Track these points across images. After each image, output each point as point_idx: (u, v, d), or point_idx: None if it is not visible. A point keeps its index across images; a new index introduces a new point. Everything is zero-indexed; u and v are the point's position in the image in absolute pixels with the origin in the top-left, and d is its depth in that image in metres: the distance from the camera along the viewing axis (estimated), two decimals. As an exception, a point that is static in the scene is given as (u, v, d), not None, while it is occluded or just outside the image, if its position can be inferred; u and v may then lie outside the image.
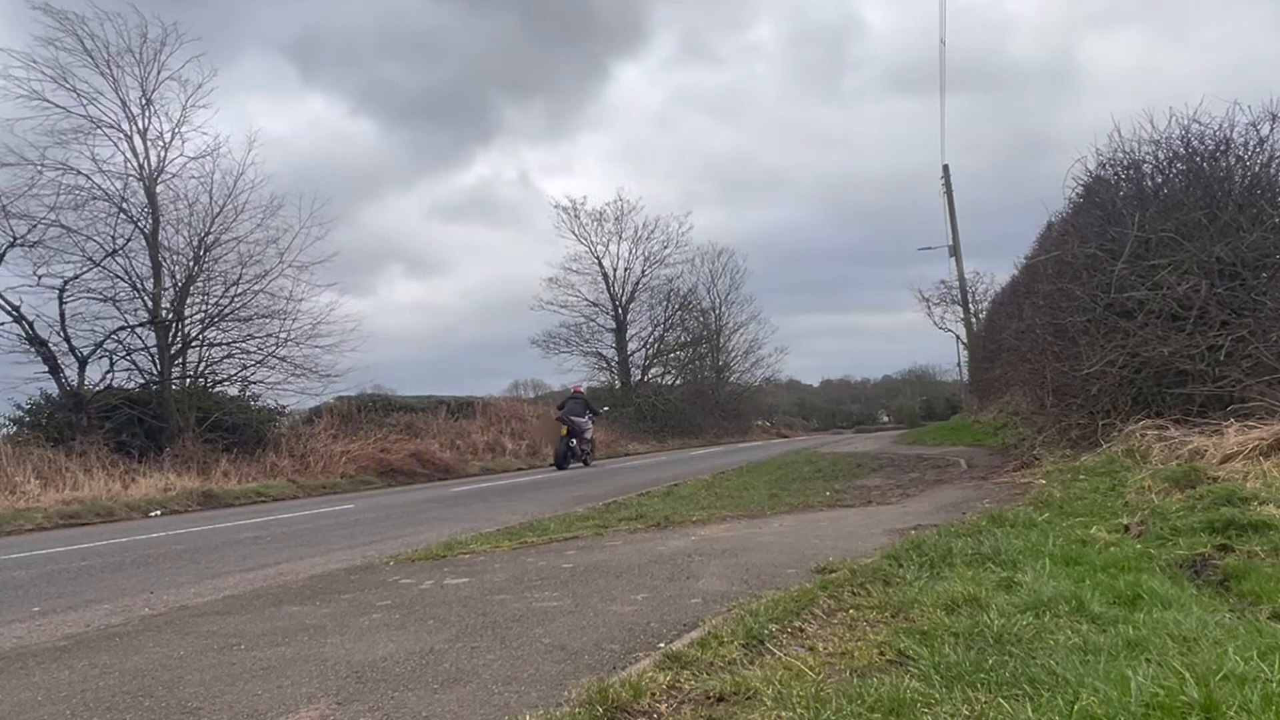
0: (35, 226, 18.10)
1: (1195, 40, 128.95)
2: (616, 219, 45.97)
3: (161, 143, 20.53)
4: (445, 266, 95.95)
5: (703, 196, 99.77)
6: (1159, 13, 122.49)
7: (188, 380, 20.76)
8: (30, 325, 18.47)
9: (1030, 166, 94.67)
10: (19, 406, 18.48)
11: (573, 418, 22.19)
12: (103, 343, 19.26)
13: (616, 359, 47.13)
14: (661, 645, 3.65)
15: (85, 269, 19.04)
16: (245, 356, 21.63)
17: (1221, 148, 9.91)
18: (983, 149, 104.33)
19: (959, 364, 48.28)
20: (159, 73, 20.32)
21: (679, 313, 49.18)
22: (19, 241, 18.07)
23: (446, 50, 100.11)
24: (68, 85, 19.03)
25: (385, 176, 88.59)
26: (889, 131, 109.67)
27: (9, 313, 18.22)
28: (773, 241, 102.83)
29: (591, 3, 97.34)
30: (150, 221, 20.11)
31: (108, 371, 19.53)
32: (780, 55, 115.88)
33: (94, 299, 19.34)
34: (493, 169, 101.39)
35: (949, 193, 31.14)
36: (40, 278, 18.44)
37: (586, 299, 46.31)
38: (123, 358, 19.79)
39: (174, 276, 20.77)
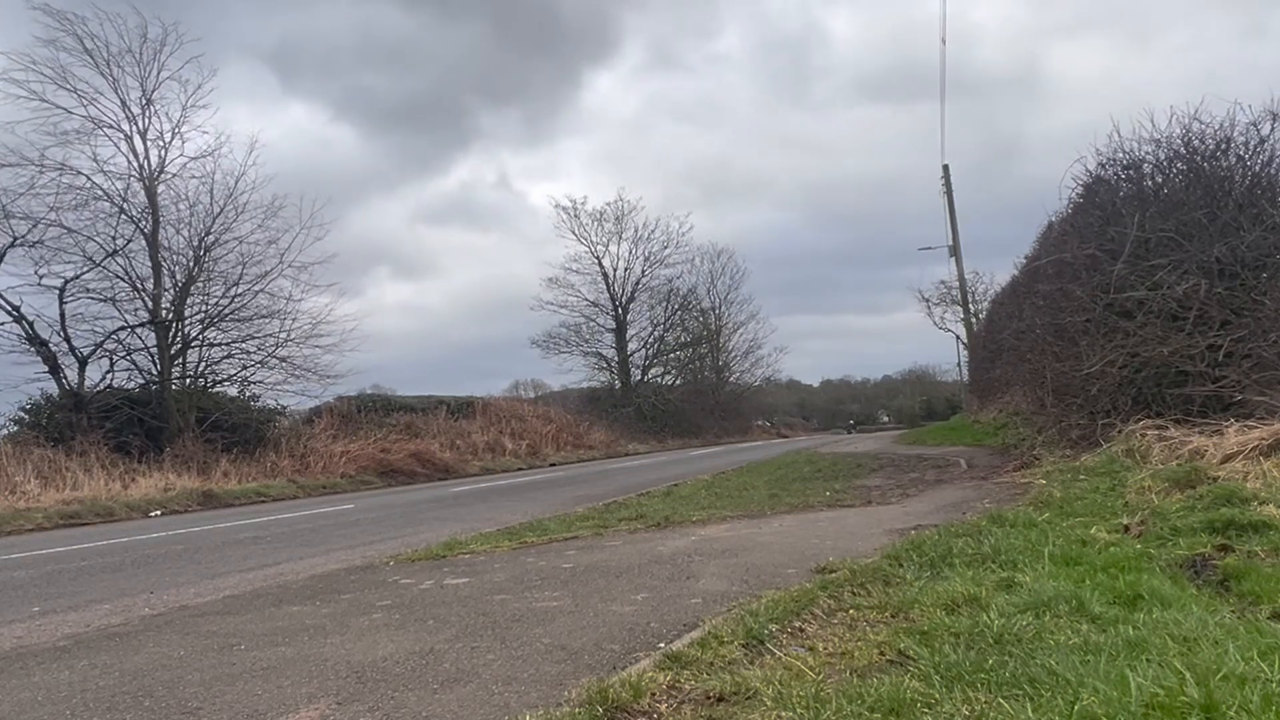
0: (36, 226, 18.17)
1: (1161, 48, 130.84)
2: (617, 219, 46.04)
3: (162, 143, 20.60)
4: (433, 269, 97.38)
5: (685, 200, 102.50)
6: (1124, 21, 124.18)
7: (188, 380, 20.78)
8: (30, 325, 18.50)
9: (1004, 171, 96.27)
10: (20, 407, 18.53)
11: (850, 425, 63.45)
12: (103, 343, 19.28)
13: (616, 359, 47.15)
14: (661, 645, 3.65)
15: (85, 269, 19.09)
16: (245, 357, 21.69)
17: (1222, 147, 9.90)
18: (957, 154, 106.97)
19: (959, 364, 48.39)
20: (159, 73, 20.39)
21: (679, 313, 49.25)
22: (19, 241, 18.10)
23: (422, 58, 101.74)
24: (68, 85, 19.10)
25: (368, 182, 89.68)
26: (863, 136, 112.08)
27: (9, 313, 18.26)
28: (758, 244, 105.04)
29: (560, 12, 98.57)
30: (150, 222, 20.12)
31: (108, 371, 19.60)
32: (749, 63, 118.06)
33: (94, 299, 19.41)
34: (473, 174, 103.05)
35: (949, 193, 31.12)
36: (41, 278, 18.51)
37: (586, 299, 46.38)
38: (123, 358, 19.85)
39: (174, 277, 20.81)
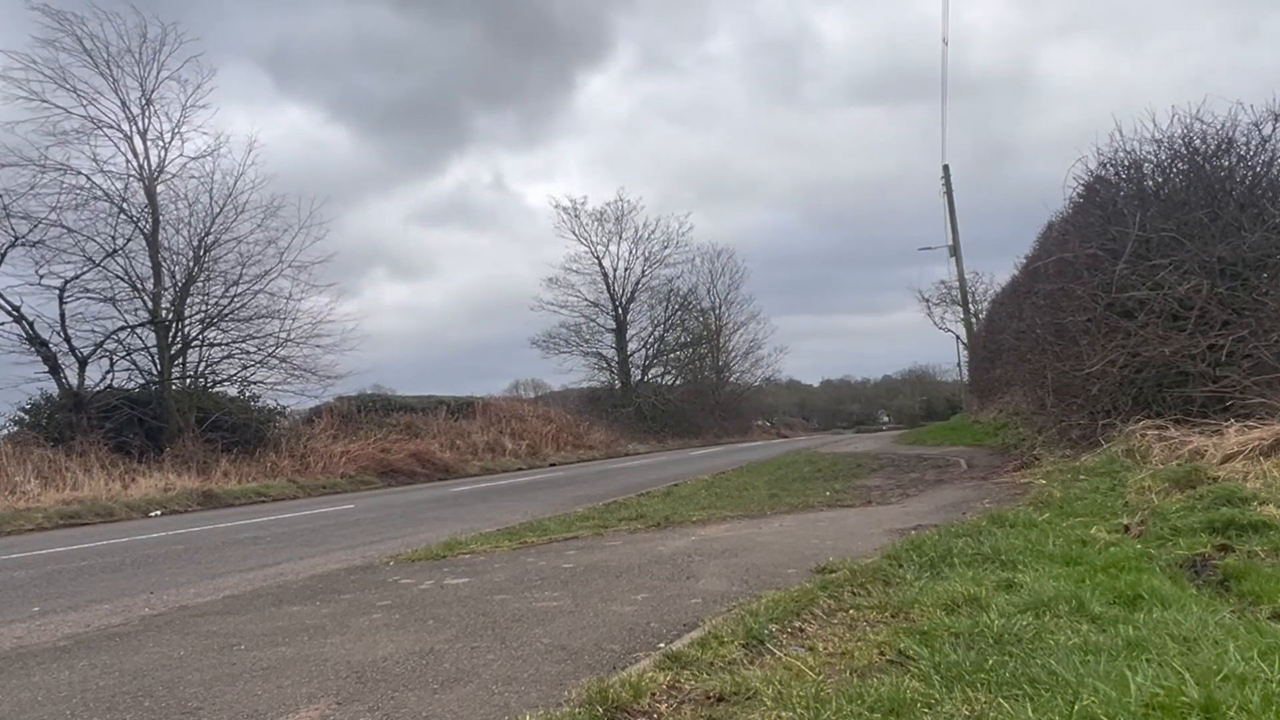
0: (36, 226, 18.16)
1: (1153, 49, 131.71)
2: (616, 219, 46.03)
3: (161, 143, 20.60)
4: (431, 269, 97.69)
5: (682, 200, 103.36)
6: (1118, 23, 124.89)
7: (188, 380, 20.78)
8: (30, 325, 18.50)
9: (999, 172, 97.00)
10: (20, 407, 18.53)
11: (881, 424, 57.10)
12: (103, 343, 19.29)
13: (616, 359, 47.14)
14: (661, 645, 3.64)
15: (85, 269, 19.10)
16: (245, 357, 21.69)
17: (1223, 147, 9.90)
18: (953, 155, 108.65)
19: (959, 364, 48.42)
20: (158, 73, 20.39)
21: (679, 313, 49.24)
22: (20, 241, 18.10)
23: (416, 60, 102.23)
24: (68, 86, 19.10)
25: (365, 183, 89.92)
26: (858, 137, 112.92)
27: (9, 313, 18.26)
28: (756, 244, 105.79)
29: (552, 14, 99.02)
30: (150, 222, 20.13)
31: (108, 371, 19.60)
32: (741, 65, 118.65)
33: (94, 299, 19.42)
34: (469, 174, 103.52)
35: (949, 193, 31.14)
36: (41, 278, 18.51)
37: (586, 299, 46.38)
38: (123, 358, 19.86)
39: (174, 277, 20.82)
